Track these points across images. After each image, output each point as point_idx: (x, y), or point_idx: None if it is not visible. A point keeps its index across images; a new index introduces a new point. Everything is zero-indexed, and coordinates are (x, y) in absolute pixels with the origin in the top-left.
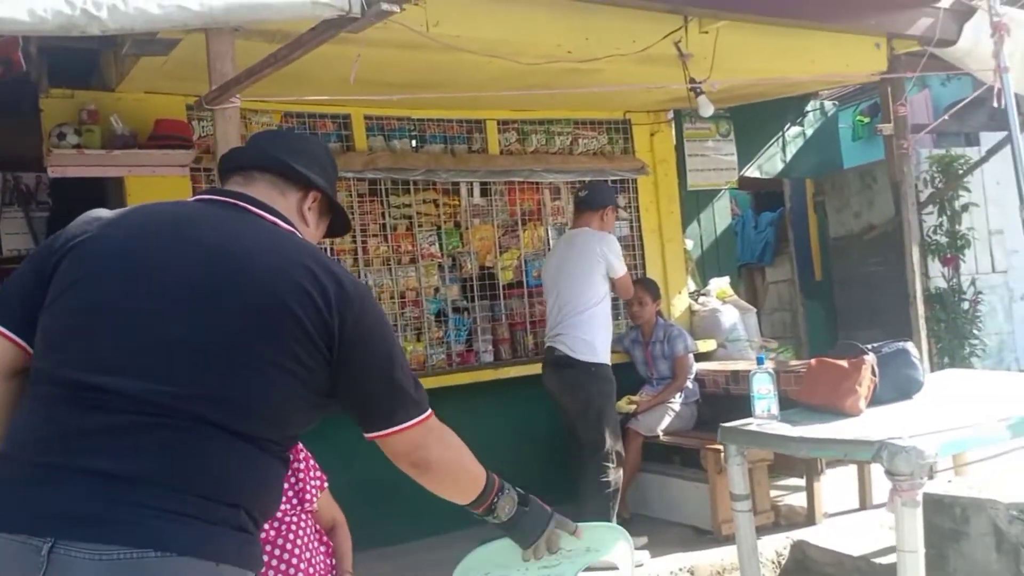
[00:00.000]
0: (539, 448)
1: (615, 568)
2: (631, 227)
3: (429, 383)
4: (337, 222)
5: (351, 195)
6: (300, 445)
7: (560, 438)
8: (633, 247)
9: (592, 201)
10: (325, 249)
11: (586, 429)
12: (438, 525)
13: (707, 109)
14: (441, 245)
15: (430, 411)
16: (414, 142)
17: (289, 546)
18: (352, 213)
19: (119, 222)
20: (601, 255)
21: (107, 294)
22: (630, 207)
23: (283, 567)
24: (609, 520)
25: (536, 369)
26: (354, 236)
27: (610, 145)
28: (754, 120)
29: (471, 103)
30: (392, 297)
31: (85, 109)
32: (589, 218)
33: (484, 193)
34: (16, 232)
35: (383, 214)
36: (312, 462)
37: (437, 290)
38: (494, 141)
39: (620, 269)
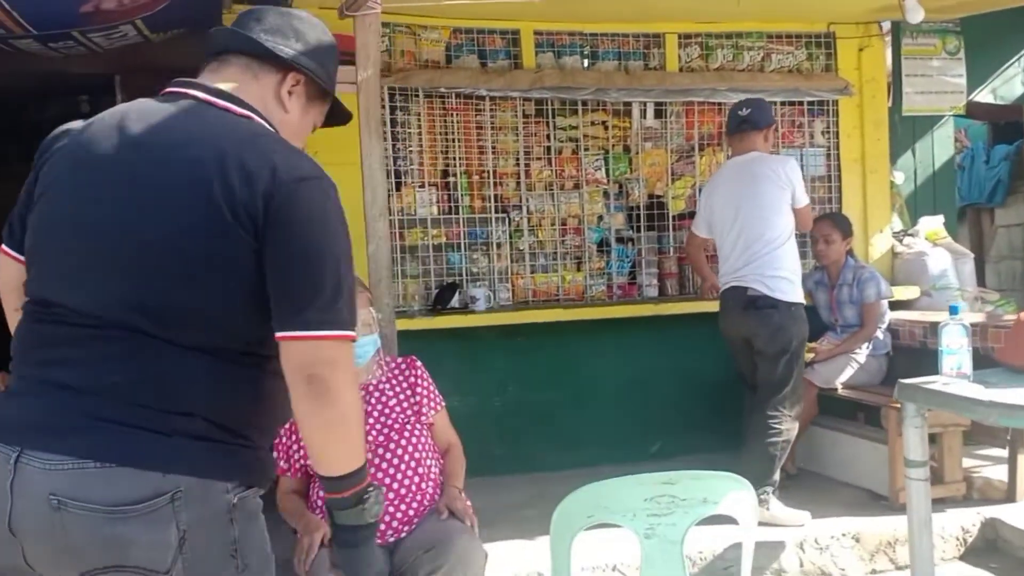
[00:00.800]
0: (702, 391)
1: (734, 523)
2: (828, 155)
3: (587, 314)
4: (337, 110)
5: (516, 115)
6: (419, 367)
7: (726, 384)
8: (829, 178)
9: (758, 119)
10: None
11: (772, 374)
12: (587, 456)
13: (916, 14)
14: (608, 170)
15: (348, 334)
16: (585, 60)
17: (400, 450)
18: (517, 135)
19: (82, 131)
20: (787, 181)
21: (55, 209)
22: (828, 132)
23: (392, 468)
24: (771, 475)
25: (705, 307)
26: (516, 159)
27: (809, 61)
28: (989, 36)
29: (649, 13)
30: (553, 224)
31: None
32: (753, 140)
33: (658, 115)
34: None
35: (548, 136)
36: (431, 385)
37: (600, 218)
38: (673, 57)
39: (804, 199)
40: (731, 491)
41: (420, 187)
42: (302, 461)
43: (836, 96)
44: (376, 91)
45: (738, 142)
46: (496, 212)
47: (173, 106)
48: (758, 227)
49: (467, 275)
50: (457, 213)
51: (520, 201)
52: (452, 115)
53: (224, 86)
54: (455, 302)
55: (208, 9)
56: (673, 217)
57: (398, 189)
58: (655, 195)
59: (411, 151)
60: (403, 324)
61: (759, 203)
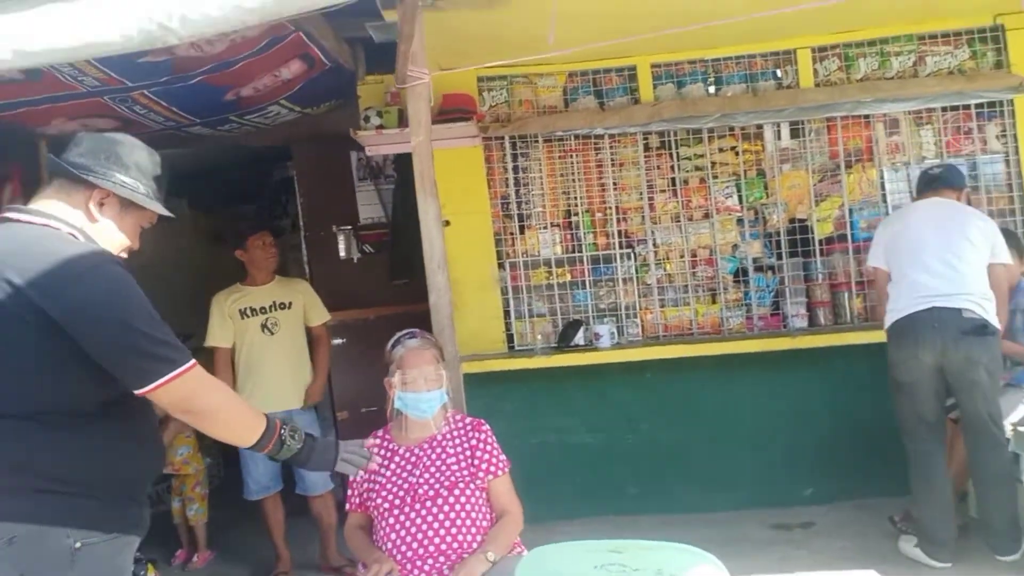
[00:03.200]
0: (858, 431)
1: None
2: (1006, 161)
3: (717, 348)
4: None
5: (637, 149)
6: (485, 430)
7: (883, 424)
8: (1010, 187)
9: (951, 179)
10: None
11: (990, 406)
12: (727, 500)
13: None
14: (740, 197)
15: (190, 363)
16: (712, 87)
17: (447, 507)
18: (639, 169)
19: None
20: (989, 235)
21: None
22: (1005, 135)
23: (436, 523)
24: (1016, 514)
25: (863, 338)
26: (640, 192)
27: (973, 60)
28: None
29: (778, 31)
30: (681, 256)
31: (388, 92)
32: (947, 196)
33: (795, 134)
34: (369, 203)
35: (673, 167)
36: (495, 449)
37: (735, 247)
38: (807, 72)
39: (1006, 256)
40: (693, 566)
41: (543, 228)
42: (368, 499)
43: (1010, 95)
44: (428, 154)
45: (927, 196)
46: (621, 248)
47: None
48: (964, 251)
49: (594, 312)
50: (581, 251)
51: (646, 235)
52: (571, 156)
53: (36, 205)
54: (579, 339)
55: (345, 83)
56: (820, 241)
57: (522, 232)
58: (797, 219)
59: (533, 195)
60: (525, 363)
61: (964, 230)
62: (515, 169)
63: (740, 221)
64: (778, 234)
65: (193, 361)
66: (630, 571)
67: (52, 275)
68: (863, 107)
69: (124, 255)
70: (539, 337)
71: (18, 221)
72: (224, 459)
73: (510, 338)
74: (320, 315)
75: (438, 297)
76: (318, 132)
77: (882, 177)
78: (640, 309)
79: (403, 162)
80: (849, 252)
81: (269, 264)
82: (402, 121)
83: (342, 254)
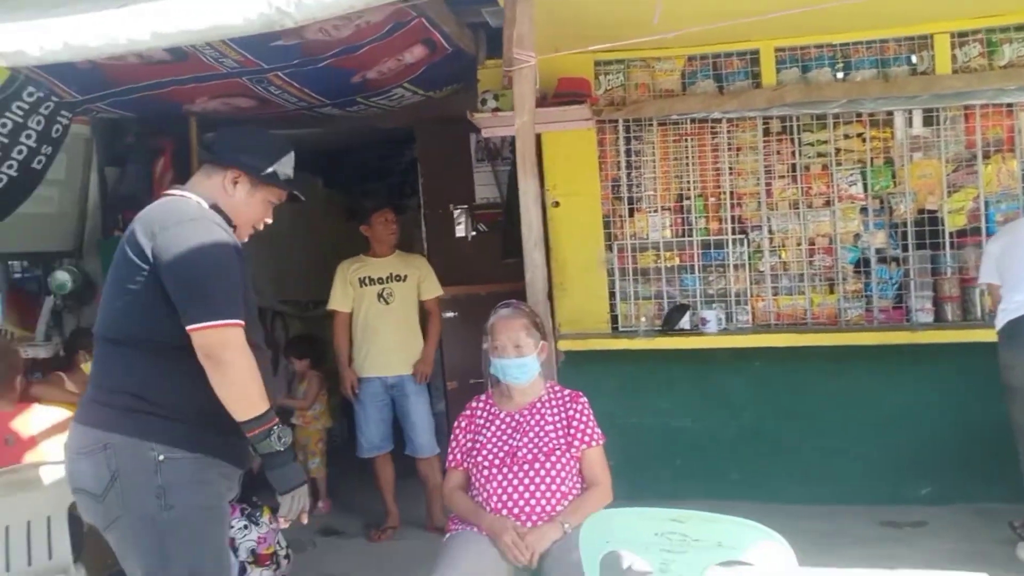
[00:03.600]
0: (980, 432)
1: None
2: None
3: (842, 339)
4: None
5: (756, 134)
6: (583, 402)
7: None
8: None
9: None
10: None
11: None
12: (834, 493)
13: None
14: (865, 185)
15: (230, 322)
16: (840, 72)
17: (543, 471)
18: (756, 154)
19: None
20: None
21: None
22: None
23: (532, 486)
24: None
25: (993, 336)
26: (757, 178)
27: None
28: None
29: (915, 14)
30: (798, 244)
31: (506, 75)
32: None
33: (928, 122)
34: (486, 184)
35: (793, 153)
36: (590, 421)
37: (857, 236)
38: (944, 58)
39: None
40: (755, 541)
41: (653, 212)
42: (469, 457)
43: None
44: (531, 135)
45: None
46: (734, 233)
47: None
48: None
49: (702, 297)
50: (691, 235)
51: (761, 221)
52: (686, 140)
53: (190, 182)
54: (685, 323)
55: (466, 67)
56: (951, 234)
57: (631, 215)
58: (927, 210)
59: (644, 178)
60: (628, 344)
61: None
62: (628, 152)
63: (864, 210)
64: (905, 225)
65: (237, 323)
66: (690, 541)
67: (161, 225)
68: (1005, 95)
69: (259, 227)
70: (643, 319)
71: (169, 195)
72: (348, 424)
73: (614, 319)
74: (433, 289)
75: (534, 274)
76: (440, 114)
77: (1021, 169)
78: (751, 296)
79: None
80: (982, 246)
81: (390, 238)
82: None
83: (458, 232)
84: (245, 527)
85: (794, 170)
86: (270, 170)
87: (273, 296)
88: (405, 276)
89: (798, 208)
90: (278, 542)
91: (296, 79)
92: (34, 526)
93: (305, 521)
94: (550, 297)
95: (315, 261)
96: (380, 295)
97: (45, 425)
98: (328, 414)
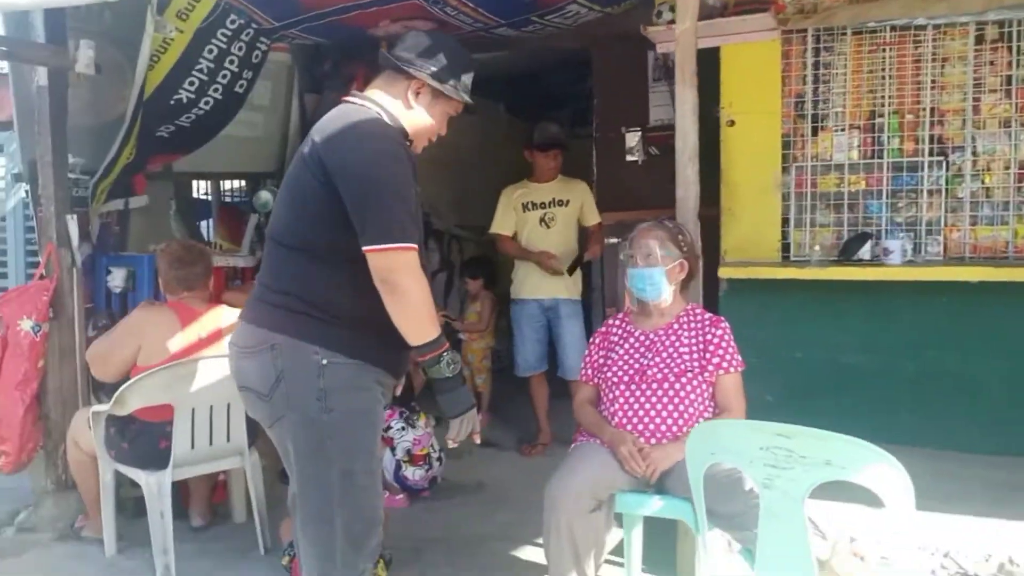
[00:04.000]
0: None
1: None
2: None
3: None
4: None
5: (967, 42)
6: (724, 327)
7: None
8: None
9: None
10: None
11: None
12: (1018, 443)
13: None
14: None
15: (407, 246)
16: None
17: (671, 392)
18: (965, 65)
19: None
20: None
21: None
22: None
23: (660, 405)
24: None
25: None
26: (964, 92)
27: None
28: None
29: None
30: (1007, 168)
31: None
32: None
33: None
34: (661, 104)
35: (1010, 63)
36: (729, 347)
37: None
38: None
39: None
40: (866, 462)
41: (839, 131)
42: (599, 373)
43: None
44: (692, 42)
45: None
46: (931, 155)
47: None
48: None
49: (888, 225)
50: (882, 157)
51: (964, 141)
52: (884, 51)
53: (367, 92)
54: (864, 253)
55: None
56: None
57: (815, 134)
58: None
59: (833, 93)
60: (796, 273)
61: None
62: (816, 65)
63: None
64: None
65: (413, 246)
66: (796, 458)
67: (341, 137)
68: None
69: (432, 140)
70: (817, 248)
71: (348, 103)
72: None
73: (786, 248)
74: (594, 216)
75: (686, 191)
76: (618, 32)
77: None
78: (945, 226)
79: (701, 62)
80: None
81: (550, 172)
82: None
83: (629, 156)
84: (403, 429)
85: (1009, 83)
86: (451, 81)
87: (451, 220)
88: (567, 201)
89: (1010, 127)
90: (432, 445)
91: None
92: (216, 411)
93: (478, 441)
94: (718, 222)
95: (495, 187)
96: (542, 219)
97: (230, 323)
98: (493, 334)
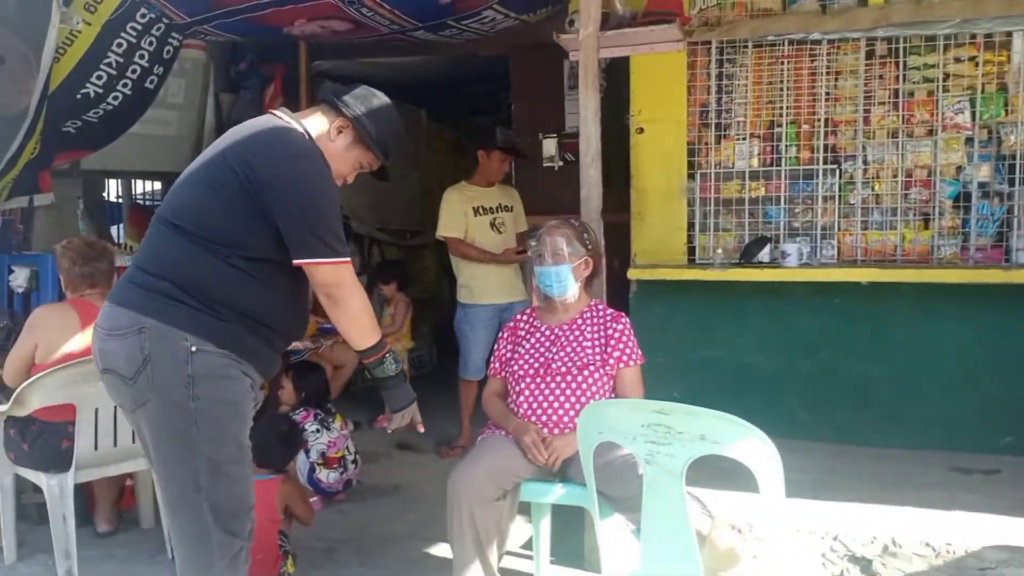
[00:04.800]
0: None
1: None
2: None
3: (930, 276)
4: (382, 171)
5: (858, 57)
6: (624, 322)
7: None
8: None
9: None
10: None
11: None
12: (912, 437)
13: None
14: (974, 113)
15: (346, 260)
16: None
17: (574, 384)
18: (856, 78)
19: None
20: None
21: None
22: None
23: (562, 397)
24: None
25: None
26: (856, 104)
27: None
28: None
29: None
30: (894, 176)
31: None
32: None
33: None
34: (576, 112)
35: (897, 78)
36: (630, 341)
37: (960, 169)
38: None
39: None
40: (736, 436)
41: (741, 139)
42: (507, 367)
43: None
44: (593, 48)
45: None
46: (826, 163)
47: (267, 118)
48: None
49: (786, 230)
50: (780, 165)
51: (856, 151)
52: (783, 63)
53: (296, 115)
54: (764, 256)
55: None
56: None
57: (718, 143)
58: None
59: (735, 103)
60: (700, 274)
61: None
62: (719, 76)
63: (969, 141)
64: (1014, 157)
65: (348, 260)
66: (674, 434)
67: (273, 149)
68: None
69: (339, 182)
70: (720, 251)
71: (277, 116)
72: (438, 350)
73: (692, 251)
74: (524, 222)
75: (589, 191)
76: (535, 41)
77: None
78: (839, 230)
79: (612, 72)
80: None
81: (500, 176)
82: (604, 25)
83: (546, 162)
84: (317, 431)
85: (896, 96)
86: (375, 135)
87: (372, 223)
88: (511, 207)
89: (897, 137)
90: (347, 448)
91: (387, 0)
92: (120, 411)
93: (421, 430)
94: (628, 226)
95: (416, 192)
96: (492, 224)
97: None
98: (408, 336)
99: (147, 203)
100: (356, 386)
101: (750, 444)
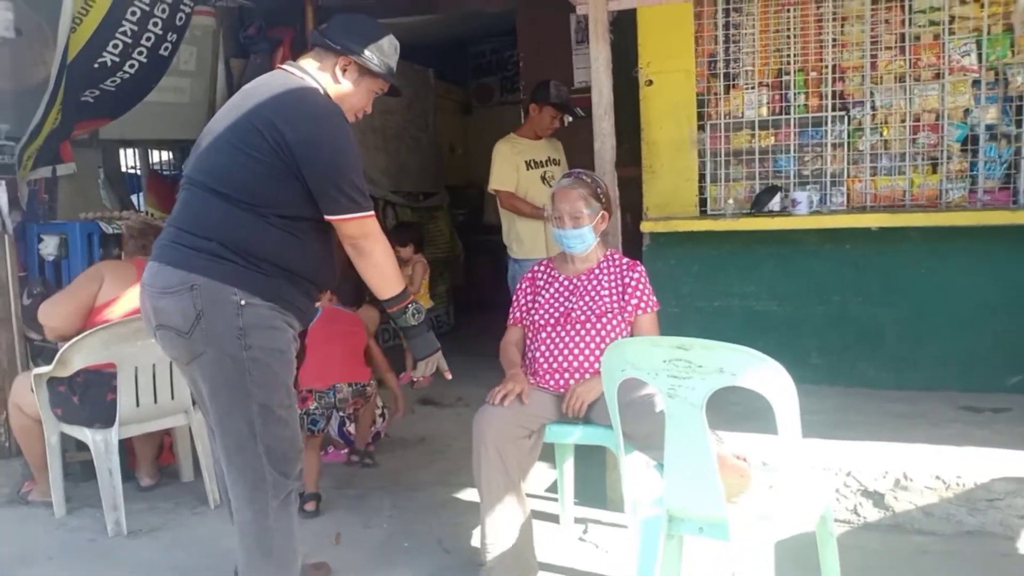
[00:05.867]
0: None
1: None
2: None
3: (937, 219)
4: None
5: (864, 2)
6: (639, 271)
7: None
8: None
9: None
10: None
11: None
12: (922, 378)
13: None
14: (980, 55)
15: (370, 213)
16: None
17: (593, 331)
18: (862, 23)
19: None
20: None
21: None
22: None
23: (582, 343)
24: None
25: None
26: (863, 50)
27: None
28: None
29: None
30: (902, 121)
31: None
32: None
33: None
34: (584, 67)
35: (903, 22)
36: (646, 289)
37: (967, 112)
38: None
39: None
40: (752, 367)
41: (750, 88)
42: (527, 316)
43: None
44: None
45: None
46: (834, 111)
47: (276, 74)
48: None
49: (796, 178)
50: (789, 113)
51: (864, 96)
52: (789, 11)
53: (300, 63)
54: (774, 205)
55: None
56: None
57: (727, 92)
58: None
59: (743, 53)
60: (712, 225)
61: None
62: (726, 26)
63: (976, 83)
64: (1021, 99)
65: (372, 213)
66: (694, 367)
67: (297, 112)
68: None
69: (358, 116)
70: (731, 202)
71: (289, 72)
72: (455, 310)
73: (703, 202)
74: None
75: (602, 143)
76: None
77: None
78: (848, 177)
79: (620, 24)
80: None
81: (550, 131)
82: None
83: None
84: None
85: (903, 40)
86: (377, 60)
87: (386, 186)
88: (559, 160)
89: (904, 82)
90: (375, 402)
91: None
92: (159, 369)
93: (448, 377)
94: (639, 180)
95: (427, 154)
96: (543, 177)
97: None
98: (427, 296)
99: (164, 172)
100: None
101: (766, 374)
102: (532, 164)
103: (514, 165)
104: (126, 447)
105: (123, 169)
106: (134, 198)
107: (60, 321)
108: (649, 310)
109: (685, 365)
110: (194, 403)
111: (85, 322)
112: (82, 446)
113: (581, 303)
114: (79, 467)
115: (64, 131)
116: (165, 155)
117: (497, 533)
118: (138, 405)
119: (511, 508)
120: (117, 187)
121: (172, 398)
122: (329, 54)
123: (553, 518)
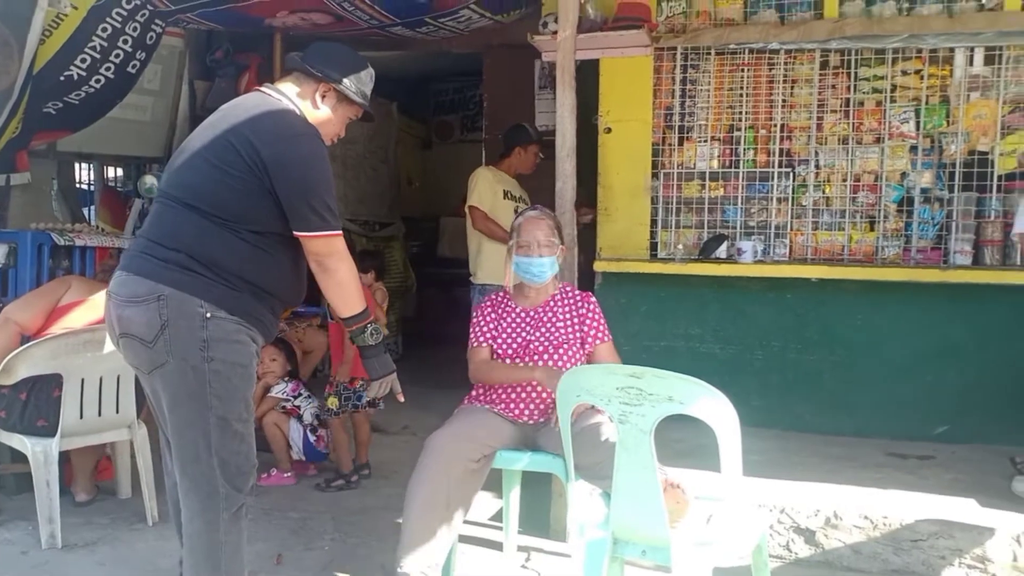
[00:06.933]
0: (1007, 375)
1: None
2: None
3: (874, 273)
4: (366, 114)
5: (813, 67)
6: (593, 302)
7: None
8: None
9: None
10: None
11: None
12: (856, 424)
13: None
14: (918, 123)
15: (338, 232)
16: (904, 4)
17: (557, 357)
18: (811, 87)
19: None
20: None
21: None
22: None
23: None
24: None
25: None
26: (810, 112)
27: None
28: None
29: None
30: (844, 180)
31: None
32: None
33: (989, 61)
34: (546, 111)
35: (848, 88)
36: (600, 319)
37: (904, 175)
38: None
39: None
40: (700, 396)
41: (702, 142)
42: (493, 342)
43: None
44: (571, 48)
45: None
46: (781, 167)
47: (255, 95)
48: None
49: (742, 228)
50: (738, 167)
51: (809, 155)
52: (743, 71)
53: (279, 86)
54: (721, 252)
55: None
56: (999, 177)
57: (681, 144)
58: (978, 152)
59: (698, 107)
60: (661, 268)
61: None
62: (684, 81)
63: (913, 148)
64: (954, 165)
65: (340, 232)
66: (645, 395)
67: (274, 131)
68: None
69: (334, 140)
70: (680, 247)
71: (267, 94)
72: (403, 340)
73: (654, 246)
74: None
75: (563, 183)
76: (508, 41)
77: None
78: (791, 230)
79: (582, 72)
80: None
81: (529, 170)
82: (577, 29)
83: None
84: (308, 397)
85: (847, 105)
86: (355, 88)
87: (343, 214)
88: (527, 200)
89: (847, 144)
90: None
91: None
92: (105, 382)
93: (401, 399)
94: (594, 223)
95: (385, 185)
96: (515, 210)
97: None
98: (385, 322)
99: (119, 188)
100: (323, 372)
101: (713, 404)
102: (509, 195)
103: (493, 190)
104: (63, 461)
105: (77, 183)
106: (86, 211)
107: (24, 316)
108: (606, 339)
109: (637, 392)
110: (139, 417)
111: (47, 322)
112: (16, 457)
113: (538, 334)
114: (13, 479)
115: (23, 140)
116: (120, 171)
117: (417, 549)
118: (82, 417)
119: (438, 525)
120: (70, 200)
121: (117, 412)
122: (309, 80)
123: (496, 545)
